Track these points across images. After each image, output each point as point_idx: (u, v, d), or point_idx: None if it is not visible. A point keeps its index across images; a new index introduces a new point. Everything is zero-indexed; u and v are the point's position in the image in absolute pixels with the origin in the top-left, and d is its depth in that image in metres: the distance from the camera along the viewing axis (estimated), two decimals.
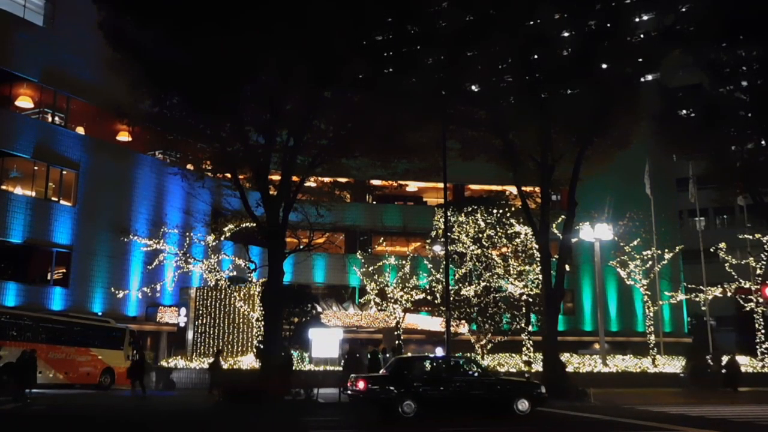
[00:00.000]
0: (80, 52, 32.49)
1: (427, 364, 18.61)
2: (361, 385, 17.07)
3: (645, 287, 33.59)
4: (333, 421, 17.03)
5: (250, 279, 30.57)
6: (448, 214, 29.28)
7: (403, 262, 34.80)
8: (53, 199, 34.08)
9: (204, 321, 30.54)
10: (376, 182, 41.36)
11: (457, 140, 27.19)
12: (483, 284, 33.50)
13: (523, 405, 17.23)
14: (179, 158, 32.75)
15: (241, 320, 30.14)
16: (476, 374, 18.18)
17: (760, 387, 29.78)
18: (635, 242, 33.82)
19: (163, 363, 32.02)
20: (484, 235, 33.85)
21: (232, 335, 30.12)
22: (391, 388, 16.95)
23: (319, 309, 36.02)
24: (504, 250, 34.29)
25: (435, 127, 23.90)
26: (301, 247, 24.28)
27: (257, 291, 29.74)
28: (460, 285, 33.68)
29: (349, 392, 17.96)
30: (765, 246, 32.95)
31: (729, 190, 33.02)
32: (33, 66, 33.01)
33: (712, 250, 35.14)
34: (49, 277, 33.76)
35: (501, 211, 33.98)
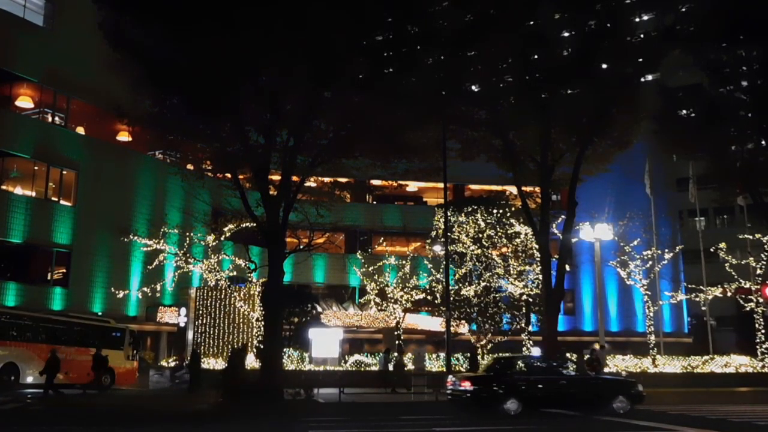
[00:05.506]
0: (80, 52, 32.47)
1: (528, 364, 19.14)
2: (466, 384, 17.60)
3: (645, 287, 33.59)
4: (336, 421, 17.03)
5: (250, 279, 30.57)
6: (448, 214, 29.28)
7: (403, 262, 34.79)
8: (53, 199, 34.09)
9: (204, 321, 30.53)
10: (376, 182, 41.41)
11: (457, 140, 27.20)
12: (483, 284, 33.52)
13: (622, 403, 17.69)
14: (179, 158, 32.72)
15: (241, 320, 30.14)
16: (573, 372, 18.70)
17: (760, 387, 29.79)
18: (635, 242, 33.82)
19: (163, 363, 32.07)
20: (484, 235, 33.87)
21: (232, 335, 30.11)
22: (495, 387, 17.44)
23: (319, 309, 36.04)
24: (504, 250, 34.32)
25: (435, 127, 23.90)
26: (301, 247, 24.24)
27: (257, 291, 29.74)
28: (460, 285, 33.69)
29: (449, 391, 18.70)
30: (765, 246, 32.93)
31: (729, 190, 33.03)
32: (33, 66, 33.01)
33: (712, 250, 35.12)
34: (49, 277, 33.76)
35: (501, 211, 33.99)
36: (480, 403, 17.59)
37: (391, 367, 27.71)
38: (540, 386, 17.79)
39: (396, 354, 28.95)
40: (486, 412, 17.34)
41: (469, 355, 30.54)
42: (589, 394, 18.04)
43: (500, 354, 27.16)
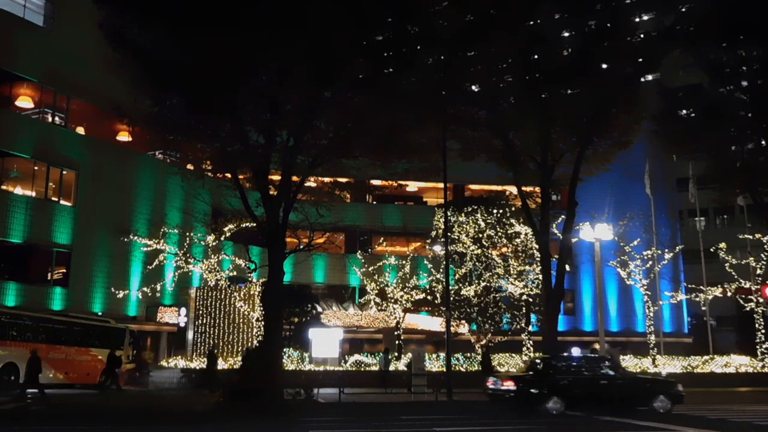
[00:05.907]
0: (80, 52, 32.46)
1: (569, 364, 19.29)
2: (509, 384, 17.67)
3: (645, 287, 33.59)
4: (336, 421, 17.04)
5: (250, 279, 30.56)
6: (448, 214, 29.27)
7: (403, 262, 34.79)
8: (53, 199, 34.07)
9: (204, 321, 30.54)
10: (376, 182, 41.37)
11: (457, 140, 27.18)
12: (483, 284, 33.51)
13: (663, 402, 17.91)
14: (179, 158, 32.74)
15: (241, 320, 30.14)
16: (613, 372, 18.76)
17: (760, 387, 29.78)
18: (635, 242, 33.82)
19: (164, 363, 32.07)
20: (484, 235, 33.86)
21: (232, 335, 30.12)
22: (539, 386, 17.63)
23: (319, 309, 36.03)
24: (504, 250, 34.31)
25: (435, 127, 23.88)
26: (301, 247, 24.23)
27: (257, 291, 29.73)
28: (460, 285, 33.68)
29: (489, 390, 18.60)
30: (765, 246, 32.94)
31: (729, 190, 33.04)
32: (33, 66, 33.00)
33: (712, 250, 35.14)
34: (49, 277, 33.75)
35: (501, 211, 33.98)
36: (523, 403, 17.66)
37: (392, 367, 27.69)
38: (582, 386, 17.93)
39: (396, 354, 28.97)
40: (528, 411, 17.39)
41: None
42: (630, 394, 18.14)
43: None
